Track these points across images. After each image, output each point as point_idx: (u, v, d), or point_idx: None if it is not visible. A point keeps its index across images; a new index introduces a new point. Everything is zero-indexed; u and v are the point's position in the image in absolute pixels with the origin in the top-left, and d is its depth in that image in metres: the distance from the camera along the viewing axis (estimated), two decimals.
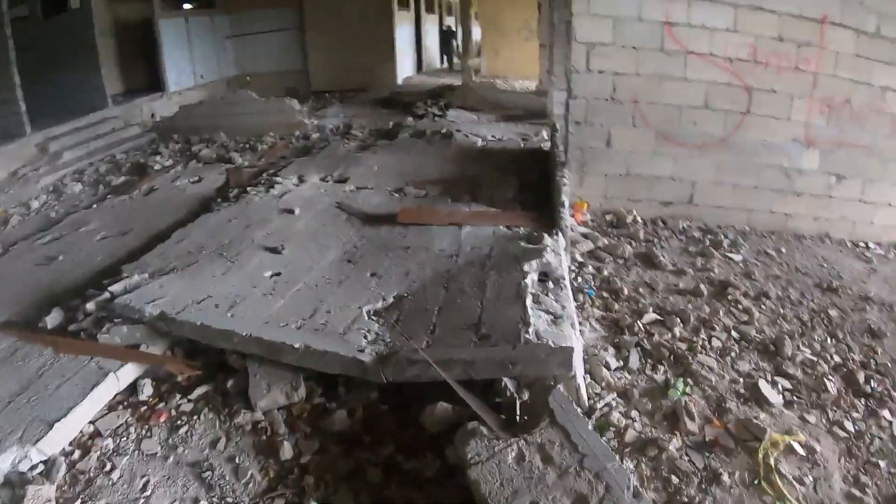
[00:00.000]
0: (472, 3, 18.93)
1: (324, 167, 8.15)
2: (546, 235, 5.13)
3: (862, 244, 7.45)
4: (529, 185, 6.80)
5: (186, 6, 17.72)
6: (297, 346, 3.58)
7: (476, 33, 22.10)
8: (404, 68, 18.99)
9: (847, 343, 5.06)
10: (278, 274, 4.62)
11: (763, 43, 6.25)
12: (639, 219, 6.78)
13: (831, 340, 5.07)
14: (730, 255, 6.22)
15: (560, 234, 5.23)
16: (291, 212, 6.11)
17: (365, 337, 3.71)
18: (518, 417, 3.11)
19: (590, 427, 3.12)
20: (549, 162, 6.55)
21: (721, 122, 6.29)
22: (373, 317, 4.01)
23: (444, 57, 24.28)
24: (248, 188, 7.22)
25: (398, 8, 17.85)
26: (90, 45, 14.13)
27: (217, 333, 3.82)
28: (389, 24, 17.41)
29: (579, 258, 5.96)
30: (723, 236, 6.54)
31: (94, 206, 7.48)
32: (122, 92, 16.78)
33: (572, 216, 6.22)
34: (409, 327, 3.83)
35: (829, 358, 4.70)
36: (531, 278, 4.37)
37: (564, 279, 4.46)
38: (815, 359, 4.62)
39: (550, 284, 4.36)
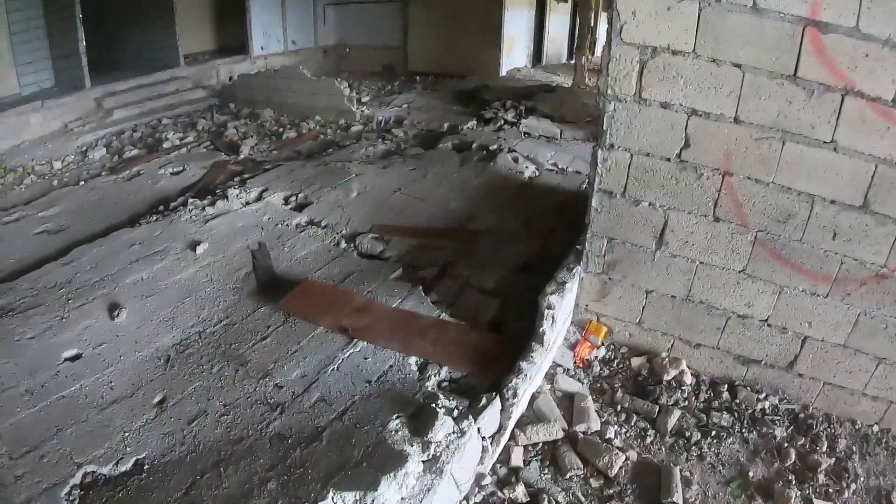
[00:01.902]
0: None
1: (300, 182, 6.28)
2: (485, 400, 2.87)
3: None
4: (550, 259, 4.50)
5: None
6: None
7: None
8: (513, 58, 16.55)
9: None
10: (76, 358, 3.59)
11: None
12: (689, 375, 3.73)
13: None
14: (831, 480, 3.08)
15: (501, 403, 2.94)
16: (195, 248, 4.84)
17: None
18: None
19: None
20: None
21: (889, 240, 3.07)
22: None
23: None
24: (210, 194, 6.15)
25: None
26: (165, 3, 13.08)
27: None
28: (498, 7, 14.98)
29: (518, 461, 3.12)
30: (825, 439, 3.33)
31: (83, 182, 7.22)
32: (213, 50, 15.92)
33: (573, 348, 3.77)
34: None
35: None
36: None
37: None
38: None
39: None
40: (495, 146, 7.67)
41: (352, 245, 5.02)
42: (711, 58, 3.02)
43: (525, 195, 6.16)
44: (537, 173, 6.94)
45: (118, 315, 3.92)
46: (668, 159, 3.30)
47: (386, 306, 3.97)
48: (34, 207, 6.19)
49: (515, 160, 7.12)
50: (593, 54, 19.46)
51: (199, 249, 4.83)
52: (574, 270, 3.78)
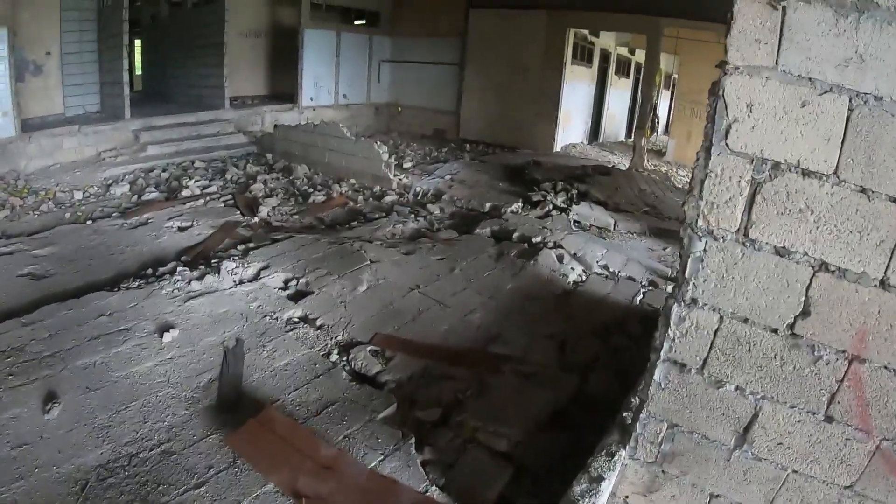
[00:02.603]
0: (661, 70, 15.34)
1: (306, 263, 5.45)
2: None
3: None
4: (587, 405, 3.52)
5: (358, 22, 15.96)
6: None
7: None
8: (569, 133, 15.76)
9: None
10: None
11: None
12: None
13: None
14: None
15: None
16: (164, 333, 4.15)
17: None
18: None
19: None
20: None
21: None
22: None
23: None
24: (204, 263, 5.56)
25: (572, 61, 14.66)
26: (217, 42, 12.96)
27: None
28: (557, 79, 14.26)
29: None
30: None
31: (91, 220, 6.98)
32: (264, 96, 15.77)
33: None
34: None
35: None
36: None
37: None
38: None
39: None
40: (539, 238, 6.72)
41: (344, 358, 4.09)
42: (860, 187, 2.02)
43: (565, 308, 5.15)
44: (584, 277, 5.94)
45: (50, 410, 3.27)
46: (776, 331, 2.28)
47: (359, 466, 2.99)
48: (32, 242, 5.99)
49: (560, 259, 6.13)
50: (654, 134, 18.65)
51: (168, 337, 4.11)
52: (616, 457, 2.75)
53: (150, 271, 5.39)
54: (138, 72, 17.94)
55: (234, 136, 12.60)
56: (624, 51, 19.10)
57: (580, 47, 15.27)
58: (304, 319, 4.56)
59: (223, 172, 9.99)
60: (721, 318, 2.35)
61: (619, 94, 19.77)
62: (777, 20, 2.03)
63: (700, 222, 2.25)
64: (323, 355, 4.13)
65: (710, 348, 2.38)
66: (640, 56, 20.26)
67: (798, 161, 2.08)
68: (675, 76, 20.83)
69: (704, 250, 2.28)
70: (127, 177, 9.32)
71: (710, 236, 2.25)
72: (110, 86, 11.35)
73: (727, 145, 2.16)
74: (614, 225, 8.27)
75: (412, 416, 3.53)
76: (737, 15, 2.07)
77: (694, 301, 2.37)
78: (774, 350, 2.30)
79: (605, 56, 17.42)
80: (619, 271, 6.24)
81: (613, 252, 6.80)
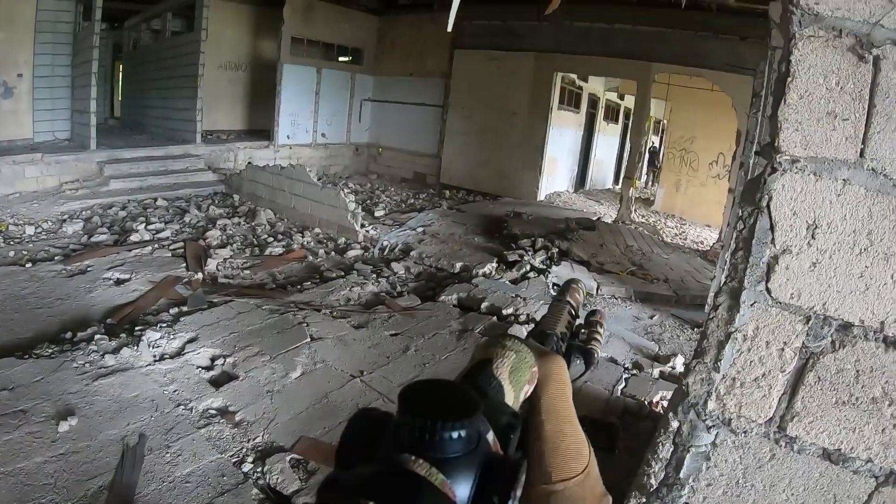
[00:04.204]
0: (650, 117, 14.84)
1: (239, 336, 4.74)
2: None
3: None
4: None
5: (340, 59, 15.44)
6: None
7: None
8: (554, 181, 15.17)
9: None
10: None
11: None
12: None
13: None
14: None
15: None
16: (62, 421, 3.53)
17: None
18: None
19: None
20: None
21: None
22: None
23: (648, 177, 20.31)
24: (127, 331, 4.90)
25: (559, 106, 14.14)
26: (192, 73, 12.49)
27: None
28: (543, 124, 13.70)
29: None
30: None
31: (30, 263, 6.49)
32: (240, 131, 15.16)
33: None
34: None
35: None
36: None
37: None
38: None
39: None
40: (510, 311, 6.01)
41: (259, 469, 3.35)
42: None
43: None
44: None
45: None
46: None
47: None
48: None
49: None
50: (652, 182, 18.13)
51: (64, 426, 3.49)
52: None
53: (69, 335, 4.76)
54: (120, 98, 17.39)
55: (204, 173, 12.02)
56: (613, 96, 18.69)
57: (568, 91, 14.79)
58: (222, 412, 3.84)
59: (183, 214, 9.37)
60: None
61: (607, 141, 19.31)
62: (866, 80, 1.22)
63: (711, 405, 1.50)
64: (235, 463, 3.40)
65: None
66: (629, 102, 19.92)
67: (882, 324, 1.31)
68: (665, 122, 20.49)
69: (714, 444, 1.55)
70: (84, 212, 8.83)
71: (726, 427, 1.50)
72: (79, 114, 10.86)
73: (768, 292, 1.40)
74: (597, 289, 7.59)
75: None
76: (796, 68, 1.28)
77: None
78: None
79: (593, 101, 16.97)
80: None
81: None
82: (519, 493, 0.49)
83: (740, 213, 1.45)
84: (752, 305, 1.42)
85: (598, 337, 0.93)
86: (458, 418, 0.49)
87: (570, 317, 0.94)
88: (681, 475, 1.58)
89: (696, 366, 1.52)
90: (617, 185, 20.20)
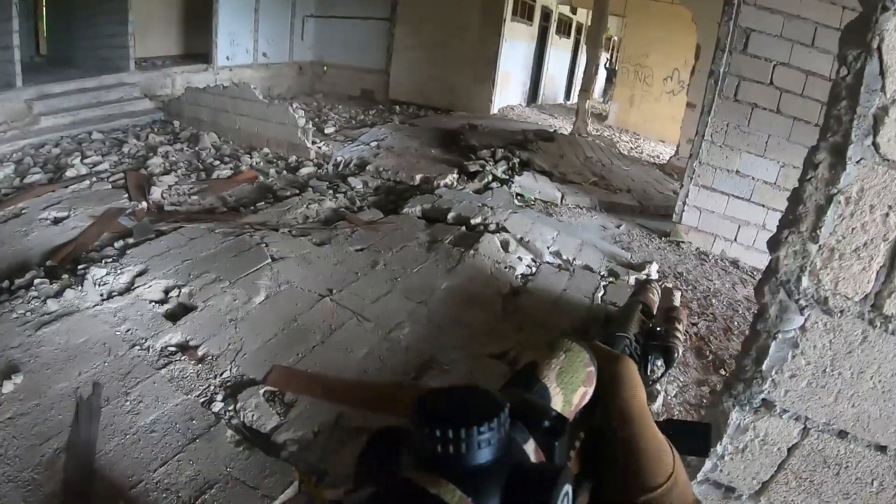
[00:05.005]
0: (608, 30, 14.42)
1: (193, 263, 4.35)
2: None
3: None
4: None
5: None
6: None
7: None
8: (507, 95, 14.78)
9: None
10: None
11: None
12: None
13: None
14: None
15: None
16: (2, 381, 3.06)
17: None
18: None
19: None
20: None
21: None
22: None
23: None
24: (69, 270, 4.37)
25: (512, 18, 13.59)
26: None
27: None
28: (495, 36, 13.18)
29: None
30: None
31: None
32: (176, 56, 14.21)
33: None
34: None
35: None
36: None
37: None
38: None
39: None
40: (478, 220, 5.74)
41: (231, 408, 3.05)
42: None
43: (514, 312, 4.21)
44: (533, 269, 5.03)
45: None
46: (884, 449, 1.36)
47: None
48: None
49: (505, 246, 5.18)
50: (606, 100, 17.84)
51: (9, 385, 3.03)
52: None
53: (5, 283, 4.24)
54: (45, 34, 16.00)
55: (140, 101, 11.17)
56: (566, 10, 18.12)
57: (521, 3, 14.23)
58: (182, 348, 3.49)
59: (121, 145, 8.67)
60: (805, 429, 1.40)
61: (559, 55, 18.85)
62: None
63: (805, 282, 1.27)
64: (203, 403, 3.08)
65: (779, 470, 1.44)
66: (581, 16, 19.40)
67: None
68: (616, 38, 20.09)
69: (803, 328, 1.32)
70: (14, 155, 8.05)
71: (819, 307, 1.28)
72: (1, 50, 9.74)
73: (875, 147, 1.16)
74: (562, 199, 7.40)
75: (320, 495, 2.56)
76: None
77: (766, 405, 1.41)
78: (874, 474, 1.38)
79: (545, 14, 16.41)
80: (573, 259, 5.35)
81: (565, 235, 5.91)
82: None
83: (845, 57, 1.18)
84: (858, 163, 1.18)
85: (678, 334, 0.86)
86: (476, 422, 0.41)
87: (645, 316, 0.87)
88: (763, 367, 1.35)
89: (789, 236, 1.27)
90: (568, 100, 19.91)
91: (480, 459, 0.42)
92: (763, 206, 6.17)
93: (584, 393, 0.58)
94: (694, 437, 0.72)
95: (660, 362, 0.83)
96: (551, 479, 0.43)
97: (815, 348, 1.30)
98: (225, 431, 2.88)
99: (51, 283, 4.11)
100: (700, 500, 0.61)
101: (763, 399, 1.37)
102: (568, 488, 0.43)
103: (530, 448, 0.47)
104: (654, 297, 0.92)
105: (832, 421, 1.33)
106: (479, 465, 0.42)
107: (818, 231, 1.23)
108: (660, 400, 3.51)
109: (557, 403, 0.56)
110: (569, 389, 0.57)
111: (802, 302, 1.29)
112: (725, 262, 6.36)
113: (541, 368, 0.57)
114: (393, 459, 0.46)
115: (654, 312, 0.89)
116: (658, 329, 0.86)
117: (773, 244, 1.34)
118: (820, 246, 1.24)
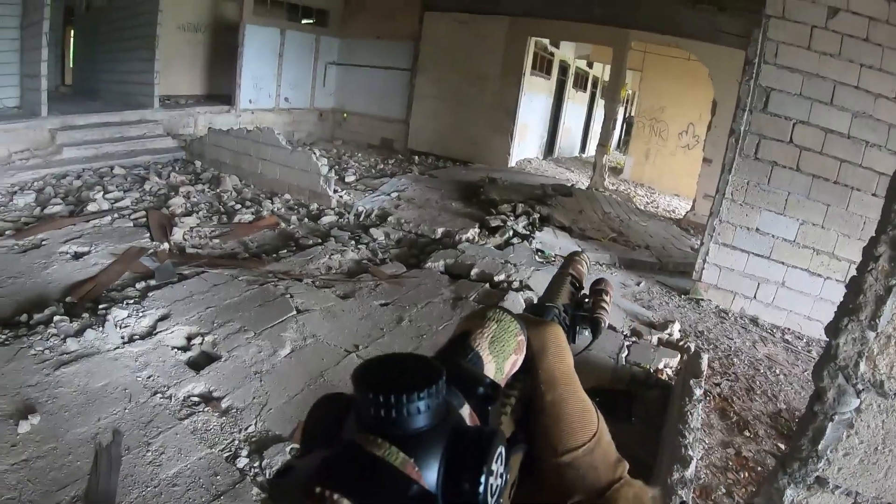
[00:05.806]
0: (626, 86, 14.55)
1: (217, 311, 4.34)
2: None
3: None
4: None
5: (305, 20, 14.76)
6: None
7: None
8: (525, 148, 14.91)
9: None
10: None
11: None
12: None
13: None
14: None
15: None
16: (21, 420, 3.05)
17: None
18: None
19: None
20: None
21: None
22: None
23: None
24: (89, 309, 4.38)
25: (531, 72, 13.80)
26: (149, 35, 11.75)
27: None
28: (515, 89, 13.36)
29: None
30: None
31: None
32: (200, 96, 14.47)
33: None
34: None
35: None
36: None
37: None
38: None
39: None
40: (502, 277, 5.74)
41: (257, 464, 3.01)
42: None
43: None
44: None
45: None
46: None
47: None
48: None
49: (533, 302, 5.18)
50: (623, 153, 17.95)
51: (25, 426, 3.01)
52: None
53: (24, 318, 4.24)
54: (72, 65, 16.38)
55: (162, 139, 11.39)
56: (583, 63, 18.41)
57: (539, 57, 14.45)
58: (206, 399, 3.47)
59: (143, 181, 8.78)
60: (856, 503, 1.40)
61: (576, 109, 19.07)
62: None
63: (863, 367, 1.28)
64: (228, 458, 3.04)
65: None
66: (597, 70, 19.69)
67: None
68: (632, 92, 20.31)
69: (858, 410, 1.31)
70: (36, 183, 8.20)
71: (875, 390, 1.29)
72: (29, 79, 10.10)
73: None
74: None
75: None
76: None
77: (820, 481, 1.40)
78: None
79: (563, 68, 16.65)
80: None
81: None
82: (495, 467, 0.44)
83: None
84: None
85: (605, 305, 0.89)
86: (416, 388, 0.44)
87: (574, 288, 0.90)
88: (818, 447, 1.34)
89: (848, 324, 1.27)
90: (584, 153, 20.07)
91: (421, 423, 0.44)
92: (782, 263, 6.15)
93: (514, 360, 0.60)
94: (616, 405, 0.77)
95: (587, 332, 0.85)
96: (486, 441, 0.45)
97: (869, 428, 1.34)
98: (250, 489, 2.83)
99: (71, 321, 4.13)
100: (622, 458, 0.64)
101: (817, 476, 1.36)
102: (501, 449, 0.46)
103: (466, 413, 0.49)
104: (584, 269, 0.95)
105: (881, 495, 1.35)
106: (419, 428, 0.44)
107: (877, 320, 1.25)
108: (692, 468, 3.43)
109: (490, 371, 0.58)
110: (500, 357, 0.59)
111: (860, 386, 1.32)
112: (745, 319, 6.31)
113: (473, 337, 0.59)
114: (338, 424, 0.48)
115: (583, 284, 0.92)
116: (587, 300, 0.89)
117: (833, 331, 1.36)
118: (877, 333, 1.25)
